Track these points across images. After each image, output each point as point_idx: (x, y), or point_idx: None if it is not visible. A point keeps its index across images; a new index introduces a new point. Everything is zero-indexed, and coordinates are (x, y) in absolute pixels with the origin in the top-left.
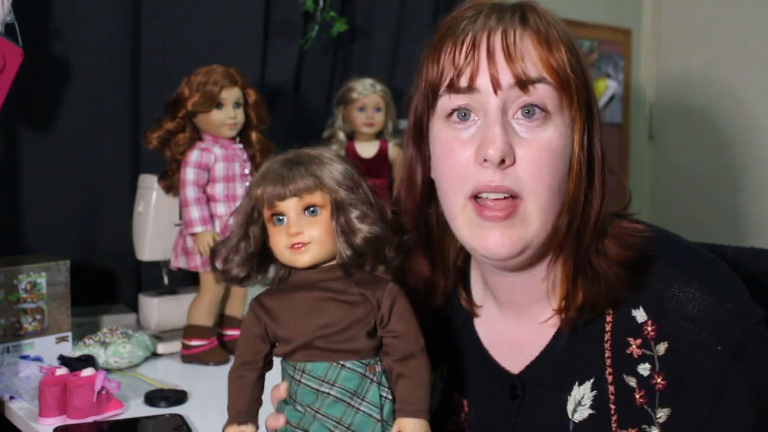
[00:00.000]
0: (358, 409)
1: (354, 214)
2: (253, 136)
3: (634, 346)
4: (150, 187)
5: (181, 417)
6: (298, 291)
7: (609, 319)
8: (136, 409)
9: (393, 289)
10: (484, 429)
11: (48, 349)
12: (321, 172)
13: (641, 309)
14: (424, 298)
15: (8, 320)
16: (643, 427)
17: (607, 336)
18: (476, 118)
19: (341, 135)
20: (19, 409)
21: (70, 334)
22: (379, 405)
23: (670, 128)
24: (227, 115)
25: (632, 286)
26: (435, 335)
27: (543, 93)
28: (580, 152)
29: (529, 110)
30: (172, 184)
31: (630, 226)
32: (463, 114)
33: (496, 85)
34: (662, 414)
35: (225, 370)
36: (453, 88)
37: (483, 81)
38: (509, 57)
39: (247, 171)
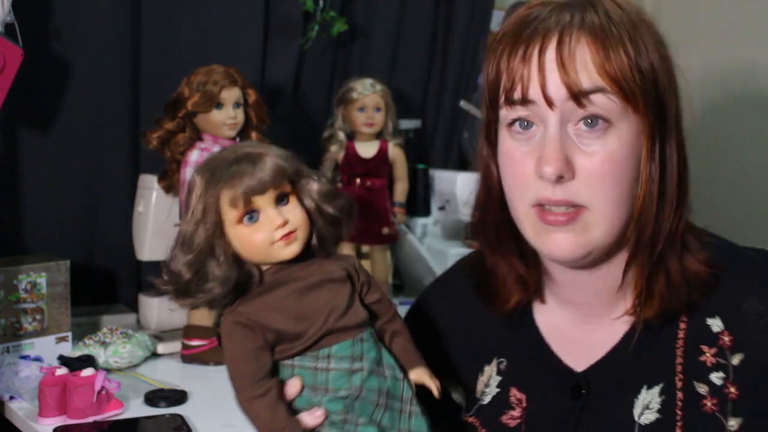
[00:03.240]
0: (384, 375)
1: (314, 191)
2: (253, 136)
3: (708, 355)
4: (150, 187)
5: (181, 417)
6: (281, 287)
7: (683, 326)
8: (136, 409)
9: (355, 259)
10: (542, 426)
11: (48, 349)
12: (277, 160)
13: (717, 318)
14: (506, 292)
15: (8, 320)
16: None
17: (679, 342)
18: (537, 128)
19: (341, 135)
20: (19, 409)
21: (70, 334)
22: (393, 365)
23: None
24: (227, 115)
25: (707, 294)
26: (494, 326)
27: (602, 103)
28: (649, 160)
29: (591, 120)
30: (172, 184)
31: (701, 237)
32: (524, 123)
33: (549, 100)
34: (734, 423)
35: (225, 370)
36: (509, 99)
37: (537, 94)
38: (563, 68)
39: None
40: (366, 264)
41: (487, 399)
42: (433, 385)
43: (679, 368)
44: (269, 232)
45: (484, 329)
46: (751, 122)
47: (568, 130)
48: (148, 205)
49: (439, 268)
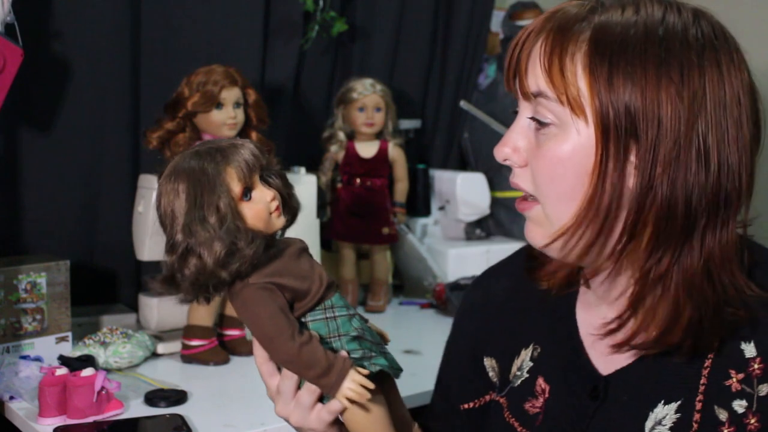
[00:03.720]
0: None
1: (276, 172)
2: (253, 136)
3: (734, 380)
4: (150, 187)
5: (181, 417)
6: (281, 253)
7: (714, 345)
8: (136, 409)
9: None
10: (558, 421)
11: (48, 349)
12: (252, 143)
13: (752, 344)
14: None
15: (8, 320)
16: None
17: (707, 362)
18: None
19: (341, 135)
20: (19, 409)
21: (70, 334)
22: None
23: None
24: (227, 115)
25: (737, 325)
26: (539, 312)
27: (548, 105)
28: (595, 176)
29: (540, 119)
30: None
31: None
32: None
33: (515, 93)
34: None
35: (225, 370)
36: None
37: (509, 86)
38: (519, 67)
39: None
40: (366, 264)
41: (517, 382)
42: (384, 332)
43: (701, 388)
44: (266, 204)
45: (529, 313)
46: None
47: (531, 124)
48: (148, 205)
49: (439, 268)
